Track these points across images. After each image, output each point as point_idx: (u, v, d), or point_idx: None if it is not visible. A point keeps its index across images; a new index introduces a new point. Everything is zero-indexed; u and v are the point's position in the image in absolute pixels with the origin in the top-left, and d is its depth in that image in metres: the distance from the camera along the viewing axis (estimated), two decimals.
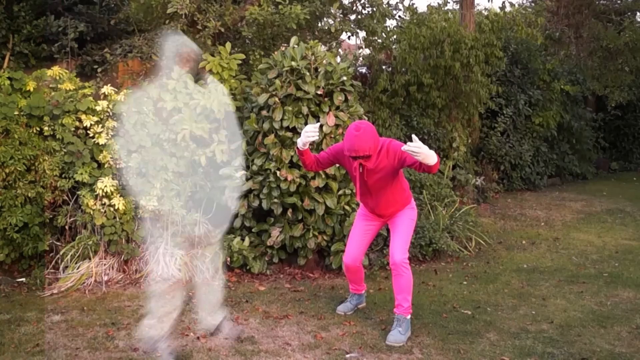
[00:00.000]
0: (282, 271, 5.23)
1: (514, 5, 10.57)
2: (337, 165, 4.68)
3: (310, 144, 4.08)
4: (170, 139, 5.08)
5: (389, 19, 7.53)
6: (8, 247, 4.85)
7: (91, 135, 5.05)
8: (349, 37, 7.30)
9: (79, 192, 4.92)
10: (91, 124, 5.05)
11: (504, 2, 9.74)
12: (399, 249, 3.84)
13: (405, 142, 3.48)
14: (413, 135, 3.49)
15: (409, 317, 3.89)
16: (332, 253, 5.07)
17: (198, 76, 5.67)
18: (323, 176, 4.97)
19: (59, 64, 6.08)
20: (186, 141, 5.07)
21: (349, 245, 4.07)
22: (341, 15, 6.93)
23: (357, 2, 6.97)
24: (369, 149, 3.57)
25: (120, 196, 4.84)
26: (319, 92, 4.96)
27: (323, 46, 6.52)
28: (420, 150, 3.37)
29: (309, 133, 3.71)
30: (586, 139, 10.55)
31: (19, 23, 6.56)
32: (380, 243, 5.45)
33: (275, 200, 4.96)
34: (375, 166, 3.70)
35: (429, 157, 3.40)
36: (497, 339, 3.87)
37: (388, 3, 7.40)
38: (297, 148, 3.83)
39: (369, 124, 3.65)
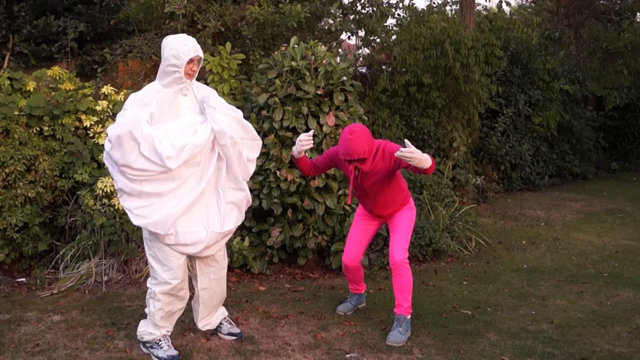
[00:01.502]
0: (282, 271, 5.23)
1: (510, 4, 10.59)
2: None
3: (306, 151, 4.09)
4: None
5: (389, 19, 7.54)
6: (8, 247, 4.85)
7: (91, 135, 5.06)
8: (348, 37, 7.30)
9: (79, 192, 4.92)
10: (91, 124, 5.05)
11: (500, 1, 9.72)
12: (399, 248, 3.84)
13: (403, 143, 3.48)
14: (406, 140, 3.48)
15: (409, 317, 3.89)
16: (332, 253, 5.07)
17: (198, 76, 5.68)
18: (323, 176, 4.97)
19: (59, 64, 6.08)
20: None
21: (348, 245, 4.07)
22: (341, 15, 6.93)
23: (357, 2, 6.97)
24: (364, 152, 3.57)
25: None
26: (319, 92, 4.96)
27: (323, 46, 6.52)
28: (413, 156, 3.37)
29: (303, 142, 3.75)
30: (586, 139, 10.54)
31: (19, 23, 6.56)
32: (380, 243, 5.45)
33: (275, 200, 4.96)
34: (371, 169, 3.70)
35: (423, 161, 3.40)
36: (497, 339, 3.87)
37: (388, 2, 7.41)
38: (293, 156, 3.87)
39: (363, 127, 3.65)
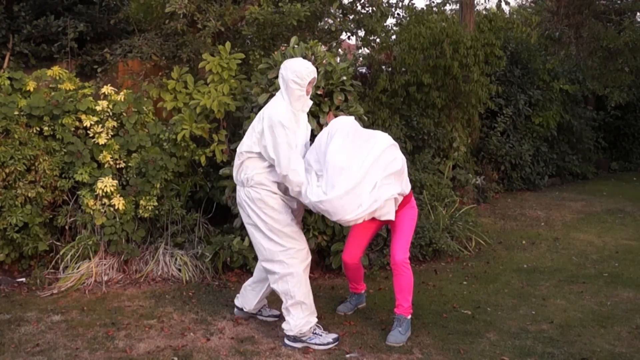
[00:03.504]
0: None
1: (509, 3, 10.61)
2: None
3: None
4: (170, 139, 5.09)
5: (389, 19, 7.53)
6: (8, 247, 4.85)
7: (91, 135, 5.06)
8: (348, 37, 7.29)
9: (79, 192, 4.92)
10: (91, 124, 5.05)
11: (499, 1, 9.72)
12: (400, 248, 3.84)
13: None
14: None
15: (409, 317, 3.89)
16: (332, 253, 5.07)
17: (198, 76, 5.68)
18: None
19: (59, 64, 6.08)
20: (186, 141, 5.08)
21: (348, 243, 4.08)
22: (341, 15, 6.93)
23: (357, 2, 6.97)
24: None
25: (120, 196, 4.85)
26: (319, 92, 4.95)
27: (323, 46, 6.51)
28: None
29: None
30: (586, 139, 10.54)
31: (19, 23, 6.56)
32: (380, 243, 5.45)
33: None
34: None
35: None
36: (497, 339, 3.87)
37: (388, 2, 7.40)
38: None
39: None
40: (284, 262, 3.67)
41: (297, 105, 3.72)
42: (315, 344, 3.66)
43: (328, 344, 3.67)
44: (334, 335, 3.75)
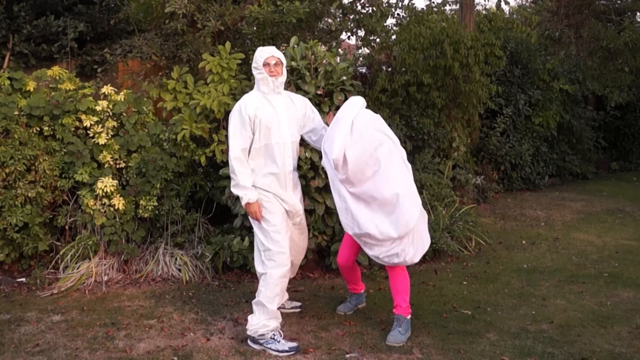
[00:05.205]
0: None
1: (509, 3, 10.64)
2: None
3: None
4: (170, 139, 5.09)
5: (389, 19, 7.53)
6: (8, 247, 4.85)
7: (91, 135, 5.06)
8: (348, 37, 7.29)
9: (79, 192, 4.92)
10: (91, 124, 5.05)
11: (499, 1, 9.70)
12: None
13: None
14: None
15: (408, 317, 3.89)
16: (332, 253, 5.07)
17: (198, 76, 5.68)
18: (323, 176, 4.97)
19: (59, 64, 6.08)
20: (186, 141, 5.08)
21: (342, 245, 4.10)
22: (341, 15, 6.93)
23: (357, 1, 6.97)
24: None
25: (120, 196, 4.85)
26: (318, 92, 4.95)
27: (323, 46, 6.51)
28: None
29: None
30: (586, 139, 10.53)
31: (19, 23, 6.57)
32: None
33: None
34: None
35: None
36: (497, 339, 3.87)
37: (388, 2, 7.40)
38: None
39: None
40: (262, 261, 3.74)
41: (264, 88, 3.79)
42: (272, 349, 3.59)
43: (284, 351, 3.57)
44: (293, 344, 3.63)
